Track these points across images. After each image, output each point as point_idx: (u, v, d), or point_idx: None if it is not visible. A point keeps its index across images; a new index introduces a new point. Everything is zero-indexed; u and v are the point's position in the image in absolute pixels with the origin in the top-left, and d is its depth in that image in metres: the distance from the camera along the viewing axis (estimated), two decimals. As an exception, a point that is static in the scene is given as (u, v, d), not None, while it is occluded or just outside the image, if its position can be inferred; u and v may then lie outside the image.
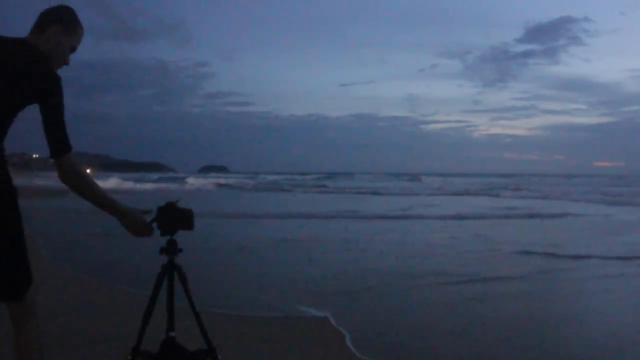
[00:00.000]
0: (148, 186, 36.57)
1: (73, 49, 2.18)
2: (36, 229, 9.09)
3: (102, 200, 2.10)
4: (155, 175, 64.95)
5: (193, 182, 45.08)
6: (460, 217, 14.34)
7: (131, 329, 2.35)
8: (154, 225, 2.30)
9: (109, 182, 34.19)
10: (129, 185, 36.38)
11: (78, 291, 5.37)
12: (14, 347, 2.07)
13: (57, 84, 2.00)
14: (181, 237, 2.30)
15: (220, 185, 42.25)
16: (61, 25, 2.10)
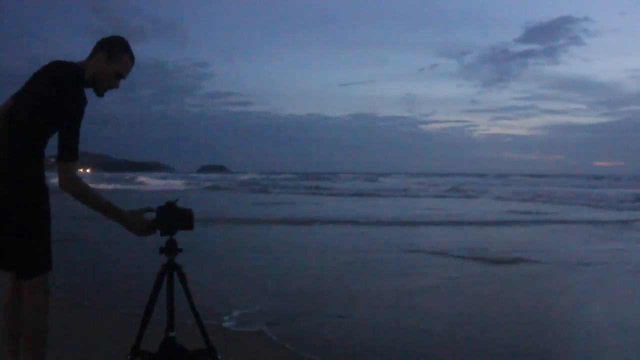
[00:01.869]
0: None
1: (119, 75, 2.42)
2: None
3: (100, 206, 2.28)
4: (128, 175, 62.85)
5: (146, 181, 41.88)
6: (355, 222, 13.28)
7: (131, 329, 2.35)
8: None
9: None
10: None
11: (77, 291, 5.36)
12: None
13: (81, 103, 2.28)
14: (181, 237, 2.30)
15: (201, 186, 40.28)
16: (104, 53, 2.37)
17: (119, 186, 38.01)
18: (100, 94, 2.42)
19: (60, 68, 2.30)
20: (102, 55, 2.37)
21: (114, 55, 2.38)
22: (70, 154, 2.28)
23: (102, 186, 35.14)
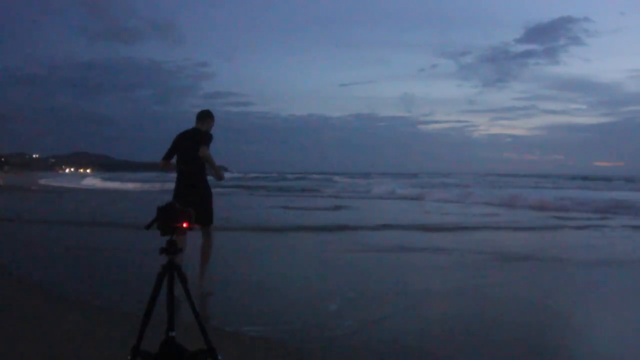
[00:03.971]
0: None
1: (210, 127, 5.38)
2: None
3: (214, 165, 5.19)
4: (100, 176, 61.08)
5: (93, 183, 39.72)
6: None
7: (131, 329, 2.35)
8: (155, 225, 2.29)
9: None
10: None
11: (77, 291, 5.36)
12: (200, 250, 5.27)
13: (209, 141, 5.16)
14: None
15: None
16: (212, 120, 5.42)
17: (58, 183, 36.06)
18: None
19: (194, 130, 5.28)
20: (211, 121, 5.39)
21: (213, 121, 5.43)
22: (213, 161, 5.17)
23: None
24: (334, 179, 52.58)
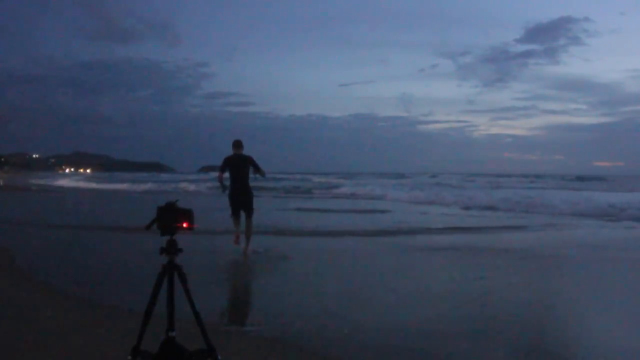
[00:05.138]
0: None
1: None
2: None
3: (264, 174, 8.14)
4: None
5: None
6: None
7: (131, 329, 2.34)
8: (154, 225, 2.29)
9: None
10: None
11: (77, 291, 5.36)
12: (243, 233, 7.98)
13: (254, 160, 7.98)
14: (180, 237, 2.30)
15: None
16: (243, 147, 8.13)
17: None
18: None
19: (243, 155, 7.95)
20: (243, 147, 8.05)
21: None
22: (261, 170, 7.93)
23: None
24: (310, 178, 52.38)
